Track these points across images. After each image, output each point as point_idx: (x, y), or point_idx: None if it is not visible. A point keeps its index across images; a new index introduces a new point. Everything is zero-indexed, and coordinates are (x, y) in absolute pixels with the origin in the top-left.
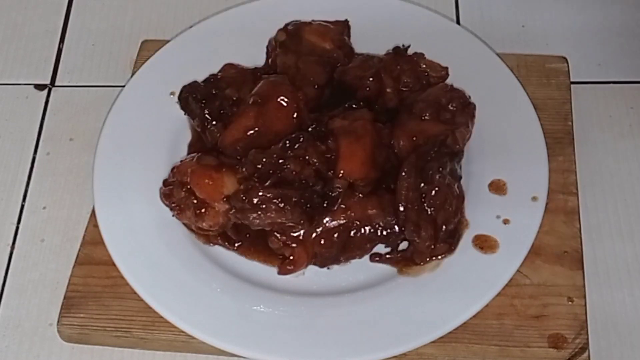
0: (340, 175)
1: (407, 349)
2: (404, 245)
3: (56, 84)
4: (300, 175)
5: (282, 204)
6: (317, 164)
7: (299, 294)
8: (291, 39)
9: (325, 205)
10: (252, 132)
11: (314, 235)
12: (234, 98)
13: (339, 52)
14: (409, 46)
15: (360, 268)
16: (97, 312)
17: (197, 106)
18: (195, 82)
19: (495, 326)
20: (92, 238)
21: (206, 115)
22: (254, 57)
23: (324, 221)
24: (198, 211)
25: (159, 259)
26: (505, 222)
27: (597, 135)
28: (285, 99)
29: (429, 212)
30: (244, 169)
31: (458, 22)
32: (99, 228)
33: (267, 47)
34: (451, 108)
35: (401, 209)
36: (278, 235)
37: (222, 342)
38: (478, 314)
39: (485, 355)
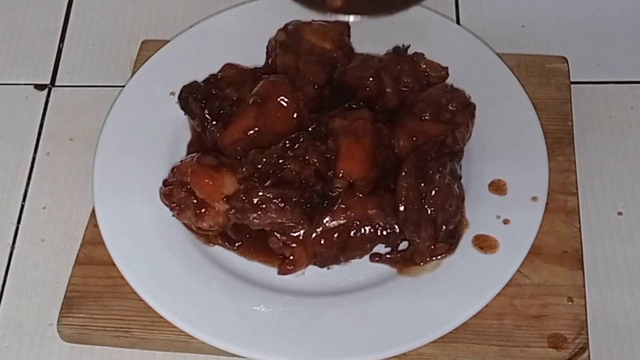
0: (340, 175)
1: (407, 349)
2: (404, 245)
3: (56, 84)
4: (300, 175)
5: (282, 204)
6: (317, 164)
7: (299, 294)
8: (291, 39)
9: (325, 205)
10: (252, 132)
11: (314, 235)
12: (234, 98)
13: (339, 52)
14: (409, 46)
15: (360, 268)
16: (97, 312)
17: (197, 106)
18: (195, 82)
19: (495, 326)
20: (92, 238)
21: (206, 115)
22: (254, 57)
23: (324, 221)
24: (198, 211)
25: (159, 259)
26: (505, 222)
27: (597, 135)
28: (285, 99)
29: (429, 212)
30: (244, 169)
31: (458, 22)
32: (99, 228)
33: (267, 47)
34: (451, 108)
35: (401, 209)
36: (278, 235)
37: (222, 342)
38: (478, 314)
39: (485, 355)
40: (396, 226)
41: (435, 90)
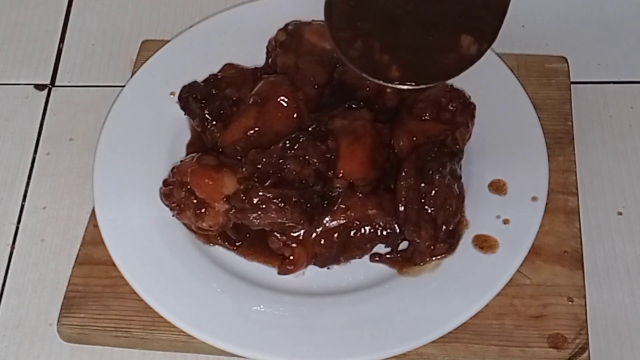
0: (340, 175)
1: (407, 349)
2: (404, 245)
3: (56, 84)
4: (300, 175)
5: (282, 204)
6: (317, 164)
7: (299, 294)
8: (291, 39)
9: (325, 205)
10: (252, 132)
11: (314, 235)
12: (234, 98)
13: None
14: None
15: (360, 268)
16: (97, 312)
17: (197, 106)
18: (195, 82)
19: (495, 326)
20: (92, 238)
21: (206, 115)
22: (254, 57)
23: (324, 221)
24: (198, 211)
25: (159, 259)
26: (505, 222)
27: (597, 135)
28: (285, 99)
29: (429, 212)
30: (244, 169)
31: None
32: (99, 228)
33: (267, 47)
34: (451, 108)
35: (401, 209)
36: (278, 235)
37: (222, 342)
38: (478, 314)
39: (485, 355)
40: (396, 226)
41: (435, 90)
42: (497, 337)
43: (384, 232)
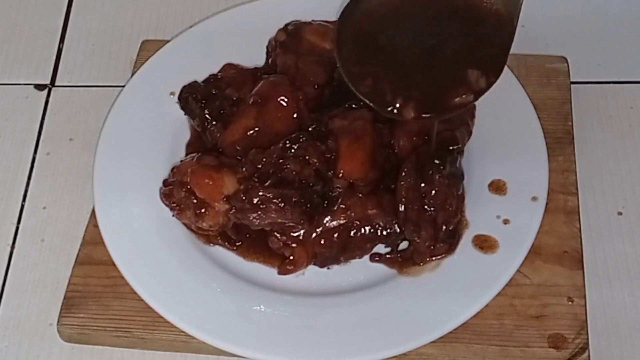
0: (340, 175)
1: (407, 349)
2: (404, 245)
3: (56, 84)
4: (300, 175)
5: (282, 204)
6: (317, 164)
7: (299, 294)
8: (291, 39)
9: (325, 205)
10: (252, 132)
11: (314, 235)
12: (234, 98)
13: None
14: None
15: (360, 268)
16: (97, 312)
17: (197, 106)
18: (195, 82)
19: (495, 326)
20: (92, 238)
21: (206, 115)
22: (254, 57)
23: (324, 221)
24: (198, 211)
25: (159, 259)
26: (505, 222)
27: (597, 135)
28: (285, 99)
29: (429, 212)
30: (244, 169)
31: None
32: (99, 228)
33: (267, 47)
34: None
35: (401, 208)
36: (278, 235)
37: (222, 342)
38: (478, 314)
39: (485, 355)
40: (396, 226)
41: None
42: (497, 337)
43: (384, 232)
